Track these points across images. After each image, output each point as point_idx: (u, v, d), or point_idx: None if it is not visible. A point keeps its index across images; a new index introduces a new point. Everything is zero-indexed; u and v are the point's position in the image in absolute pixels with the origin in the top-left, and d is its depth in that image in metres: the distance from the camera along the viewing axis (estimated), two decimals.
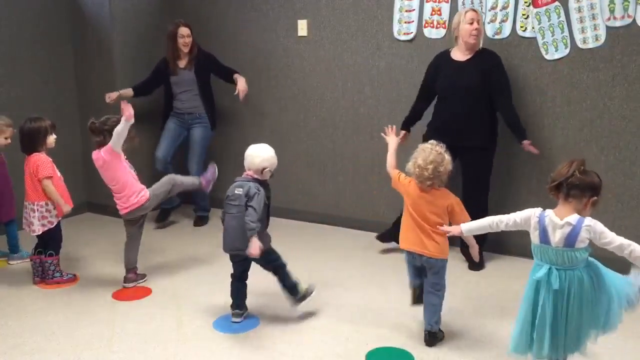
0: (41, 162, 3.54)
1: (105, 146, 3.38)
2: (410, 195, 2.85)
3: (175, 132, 4.83)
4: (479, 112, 3.71)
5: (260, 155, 3.00)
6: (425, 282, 2.89)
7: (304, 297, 3.12)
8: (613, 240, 2.23)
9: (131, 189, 3.47)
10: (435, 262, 2.82)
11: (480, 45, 3.75)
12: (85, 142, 5.15)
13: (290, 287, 3.11)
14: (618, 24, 3.58)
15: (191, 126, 4.82)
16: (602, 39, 3.64)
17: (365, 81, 4.51)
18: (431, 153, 2.74)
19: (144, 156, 4.73)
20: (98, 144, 3.43)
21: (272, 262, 3.07)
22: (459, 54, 3.77)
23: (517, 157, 4.00)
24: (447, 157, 2.76)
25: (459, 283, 3.64)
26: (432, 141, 2.83)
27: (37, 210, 3.56)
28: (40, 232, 3.58)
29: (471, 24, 3.65)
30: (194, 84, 4.70)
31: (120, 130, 3.32)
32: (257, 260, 3.03)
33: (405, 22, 4.25)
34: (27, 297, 3.48)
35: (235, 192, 2.98)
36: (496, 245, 4.12)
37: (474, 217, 3.88)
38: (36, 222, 3.56)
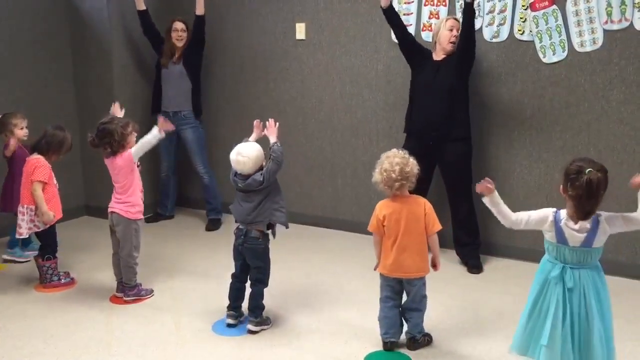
0: (40, 165, 3.52)
1: (125, 153, 3.29)
2: (385, 216, 2.83)
3: (167, 143, 4.81)
4: (456, 106, 3.79)
5: (250, 158, 2.97)
6: (406, 299, 2.92)
7: (260, 323, 3.09)
8: (633, 215, 2.26)
9: (132, 198, 3.37)
10: (415, 281, 2.84)
11: None
12: (84, 144, 5.12)
13: (257, 307, 3.09)
14: (615, 27, 3.60)
15: (179, 129, 4.79)
16: (600, 43, 3.65)
17: (364, 84, 4.52)
18: (395, 156, 2.78)
19: (143, 159, 4.71)
20: (106, 155, 3.35)
21: (263, 271, 3.07)
22: (435, 57, 3.89)
23: (516, 158, 4.01)
24: (412, 160, 2.80)
25: (458, 286, 3.65)
26: (393, 149, 2.86)
27: (27, 213, 3.55)
28: (27, 235, 3.61)
29: (450, 30, 3.78)
30: (183, 76, 4.72)
31: (147, 141, 3.31)
32: (256, 261, 3.03)
33: None
34: (25, 301, 3.47)
35: (240, 185, 2.98)
36: (494, 248, 4.13)
37: (461, 216, 3.92)
38: (24, 225, 3.55)
